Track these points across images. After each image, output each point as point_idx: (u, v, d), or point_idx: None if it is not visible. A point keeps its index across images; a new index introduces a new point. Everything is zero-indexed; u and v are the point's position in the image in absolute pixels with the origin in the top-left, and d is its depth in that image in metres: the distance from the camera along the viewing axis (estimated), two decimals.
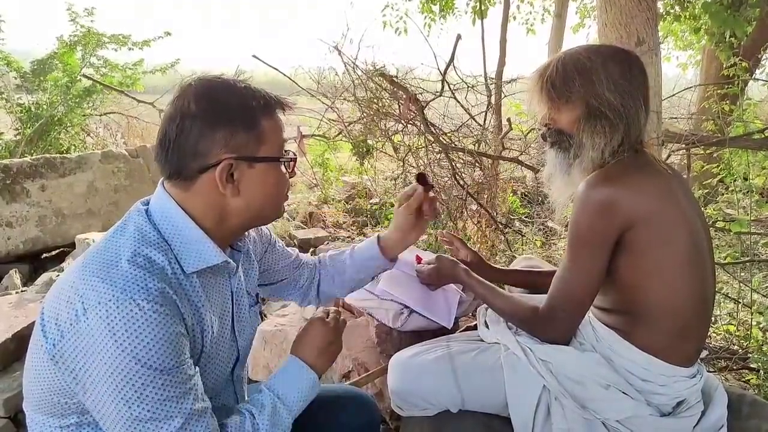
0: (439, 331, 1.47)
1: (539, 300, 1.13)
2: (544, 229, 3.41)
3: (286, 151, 0.89)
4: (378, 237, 1.19)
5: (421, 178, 1.14)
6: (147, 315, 0.71)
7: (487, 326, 1.26)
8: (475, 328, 1.38)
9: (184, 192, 0.82)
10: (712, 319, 2.31)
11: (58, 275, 2.70)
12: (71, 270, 0.78)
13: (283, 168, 0.88)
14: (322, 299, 1.24)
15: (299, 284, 1.19)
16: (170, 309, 0.74)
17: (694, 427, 1.08)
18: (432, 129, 2.83)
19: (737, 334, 2.16)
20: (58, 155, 3.57)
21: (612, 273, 1.05)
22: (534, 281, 1.43)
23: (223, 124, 0.79)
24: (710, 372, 1.60)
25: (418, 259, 1.49)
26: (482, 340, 1.25)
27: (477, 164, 2.92)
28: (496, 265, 1.52)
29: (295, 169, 0.93)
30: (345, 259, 1.20)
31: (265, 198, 0.86)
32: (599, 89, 1.04)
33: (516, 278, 1.48)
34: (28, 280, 3.01)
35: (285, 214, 3.49)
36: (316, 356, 0.95)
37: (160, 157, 0.82)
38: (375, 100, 2.94)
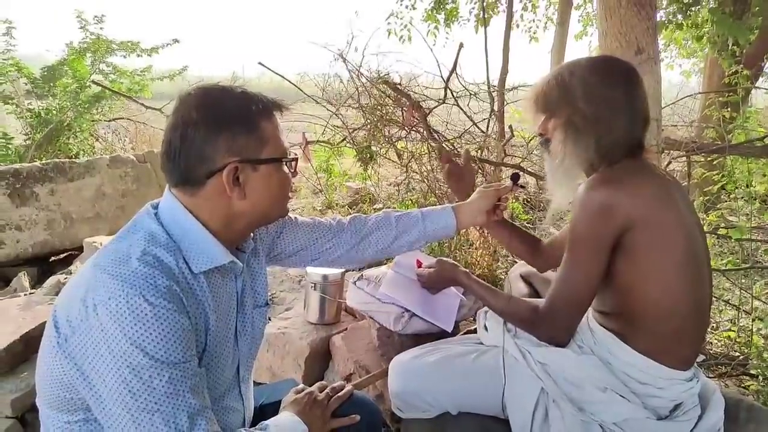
0: (440, 335, 1.48)
1: (539, 301, 1.15)
2: (545, 235, 3.42)
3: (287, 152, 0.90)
4: (452, 208, 1.22)
5: (515, 177, 1.31)
6: (155, 310, 0.73)
7: (487, 329, 1.28)
8: (475, 331, 1.40)
9: (191, 197, 0.85)
10: (713, 325, 2.31)
11: (66, 278, 2.74)
12: (83, 269, 0.81)
13: (285, 168, 0.90)
14: (363, 258, 1.20)
15: (325, 250, 1.16)
16: (177, 305, 0.76)
17: (691, 430, 1.09)
18: (435, 135, 2.86)
19: (738, 340, 2.16)
20: (67, 160, 3.61)
21: (609, 275, 1.07)
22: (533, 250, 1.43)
23: (224, 129, 0.82)
24: (710, 378, 1.61)
25: (419, 263, 1.50)
26: (482, 343, 1.27)
27: (479, 171, 2.95)
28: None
29: (297, 168, 0.94)
30: (415, 222, 1.19)
31: (271, 199, 0.89)
32: (574, 101, 1.11)
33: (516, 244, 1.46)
34: (37, 282, 3.04)
35: None
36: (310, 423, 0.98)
37: (167, 167, 0.84)
38: (379, 107, 2.97)
